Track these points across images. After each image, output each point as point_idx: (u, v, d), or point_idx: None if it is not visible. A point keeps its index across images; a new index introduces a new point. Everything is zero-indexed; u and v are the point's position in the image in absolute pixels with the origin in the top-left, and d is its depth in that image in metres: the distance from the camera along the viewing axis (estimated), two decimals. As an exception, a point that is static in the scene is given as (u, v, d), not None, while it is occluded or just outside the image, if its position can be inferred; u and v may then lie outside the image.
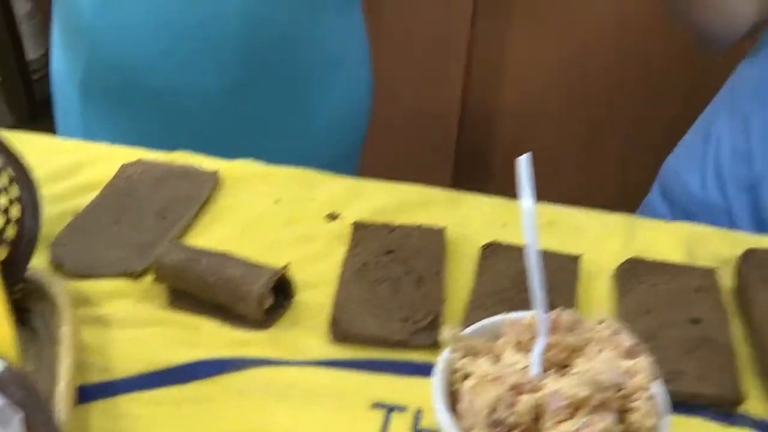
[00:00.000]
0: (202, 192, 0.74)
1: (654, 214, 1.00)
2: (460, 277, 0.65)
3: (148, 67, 0.92)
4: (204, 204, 0.73)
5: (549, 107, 1.55)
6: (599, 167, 1.57)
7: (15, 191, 0.59)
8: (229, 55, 0.91)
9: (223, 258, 0.62)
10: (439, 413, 0.44)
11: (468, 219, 0.72)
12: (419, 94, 1.60)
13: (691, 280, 0.63)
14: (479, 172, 1.68)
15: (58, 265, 0.65)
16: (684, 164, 0.98)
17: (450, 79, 1.58)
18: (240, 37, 0.91)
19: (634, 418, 0.43)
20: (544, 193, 1.78)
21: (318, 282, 0.65)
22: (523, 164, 0.48)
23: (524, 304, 0.54)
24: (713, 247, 0.69)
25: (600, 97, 1.50)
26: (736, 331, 0.60)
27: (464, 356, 0.47)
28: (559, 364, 0.47)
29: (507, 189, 1.76)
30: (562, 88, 1.52)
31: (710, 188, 0.92)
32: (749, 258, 0.65)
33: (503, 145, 1.64)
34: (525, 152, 1.63)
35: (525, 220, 0.48)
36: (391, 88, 1.58)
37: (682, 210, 0.96)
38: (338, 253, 0.68)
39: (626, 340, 0.47)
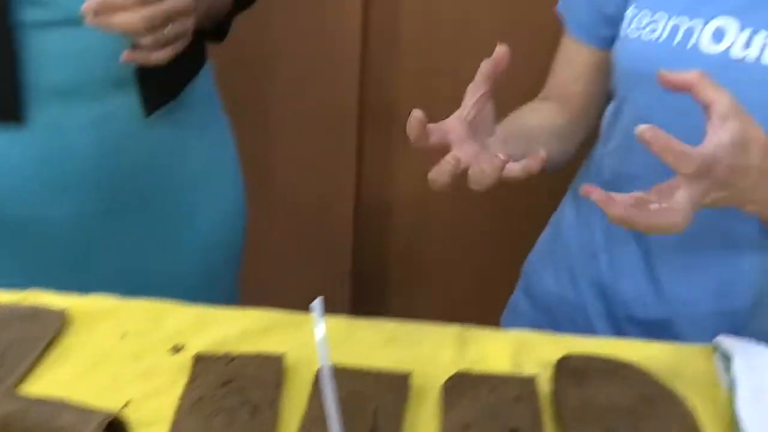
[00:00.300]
0: (47, 332, 0.74)
1: (517, 313, 1.04)
2: (298, 404, 0.68)
3: (4, 197, 0.93)
4: (49, 345, 0.74)
5: (440, 213, 1.60)
6: (491, 267, 1.62)
7: None
8: (87, 185, 0.93)
9: (56, 406, 0.63)
10: None
11: (311, 342, 0.75)
12: (312, 201, 1.64)
13: (511, 389, 0.67)
14: (376, 276, 1.72)
15: None
16: (541, 261, 1.02)
17: (342, 189, 1.62)
18: (97, 167, 0.93)
19: None
20: (438, 293, 1.82)
21: (157, 419, 0.66)
22: (317, 306, 0.52)
23: (351, 428, 0.57)
24: (539, 352, 0.74)
25: (487, 200, 1.56)
26: (551, 437, 0.64)
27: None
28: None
29: (405, 292, 1.78)
30: (451, 192, 1.58)
31: (564, 285, 0.96)
32: (564, 364, 0.69)
33: (399, 251, 1.69)
34: (420, 256, 1.67)
35: (319, 352, 0.51)
36: (284, 194, 1.62)
37: (543, 307, 1.00)
38: (181, 386, 0.69)
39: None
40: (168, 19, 0.80)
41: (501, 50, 0.70)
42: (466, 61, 1.48)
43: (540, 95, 0.99)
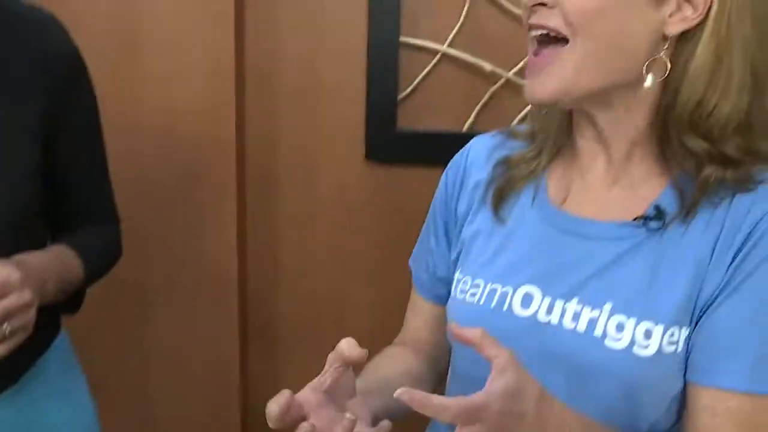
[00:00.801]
0: None
1: None
2: None
3: None
4: None
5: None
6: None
7: None
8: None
9: None
10: None
11: None
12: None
13: None
14: None
15: None
16: None
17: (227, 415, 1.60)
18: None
19: None
20: None
21: None
22: None
23: None
24: None
25: None
26: None
27: None
28: None
29: None
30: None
31: None
32: None
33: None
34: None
35: None
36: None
37: None
38: None
39: None
40: (6, 316, 0.81)
41: (352, 351, 0.73)
42: (342, 280, 1.57)
43: (396, 339, 1.03)
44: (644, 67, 0.76)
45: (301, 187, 1.53)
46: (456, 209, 0.94)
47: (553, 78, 0.76)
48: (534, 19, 0.77)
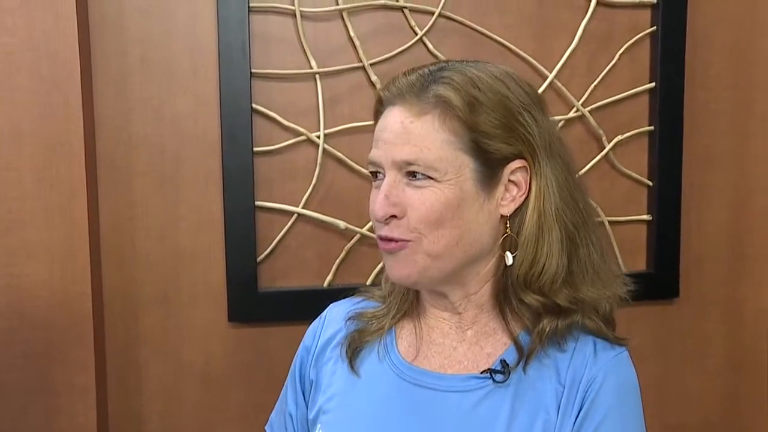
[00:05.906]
0: None
1: None
2: None
3: None
4: None
5: None
6: None
7: None
8: None
9: None
10: None
11: None
12: None
13: None
14: None
15: None
16: None
17: None
18: None
19: None
20: None
21: None
22: None
23: None
24: None
25: None
26: None
27: None
28: None
29: None
30: None
31: None
32: None
33: None
34: None
35: None
36: None
37: None
38: None
39: None
40: None
41: None
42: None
43: None
44: (500, 247, 0.85)
45: (164, 355, 1.50)
46: (309, 375, 0.97)
47: (409, 262, 0.84)
48: (385, 232, 0.84)
